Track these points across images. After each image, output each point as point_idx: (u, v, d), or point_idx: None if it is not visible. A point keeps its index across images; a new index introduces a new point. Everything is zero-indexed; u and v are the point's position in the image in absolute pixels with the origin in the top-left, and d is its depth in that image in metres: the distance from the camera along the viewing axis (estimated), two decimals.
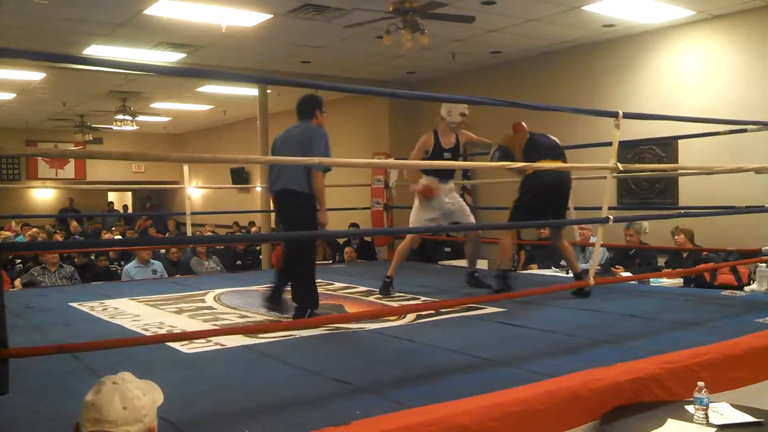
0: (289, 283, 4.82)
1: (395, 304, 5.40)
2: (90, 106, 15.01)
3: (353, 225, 10.94)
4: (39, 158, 19.46)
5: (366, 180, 9.63)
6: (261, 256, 11.56)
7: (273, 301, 4.85)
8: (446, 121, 5.90)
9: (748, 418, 2.81)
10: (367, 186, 9.56)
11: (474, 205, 10.42)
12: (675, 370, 3.21)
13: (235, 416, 2.69)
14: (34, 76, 11.58)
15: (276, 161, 4.69)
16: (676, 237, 7.23)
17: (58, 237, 13.25)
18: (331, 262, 10.28)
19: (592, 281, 4.40)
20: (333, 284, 6.52)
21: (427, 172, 5.91)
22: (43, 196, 20.76)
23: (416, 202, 6.01)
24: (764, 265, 5.99)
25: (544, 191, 5.37)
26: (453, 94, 5.14)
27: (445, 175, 5.97)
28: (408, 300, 5.57)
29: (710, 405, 2.79)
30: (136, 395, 1.84)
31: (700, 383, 2.80)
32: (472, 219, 6.19)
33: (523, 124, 5.75)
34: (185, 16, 8.02)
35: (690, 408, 2.84)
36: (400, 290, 5.87)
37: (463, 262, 6.92)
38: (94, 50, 9.53)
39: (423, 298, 5.61)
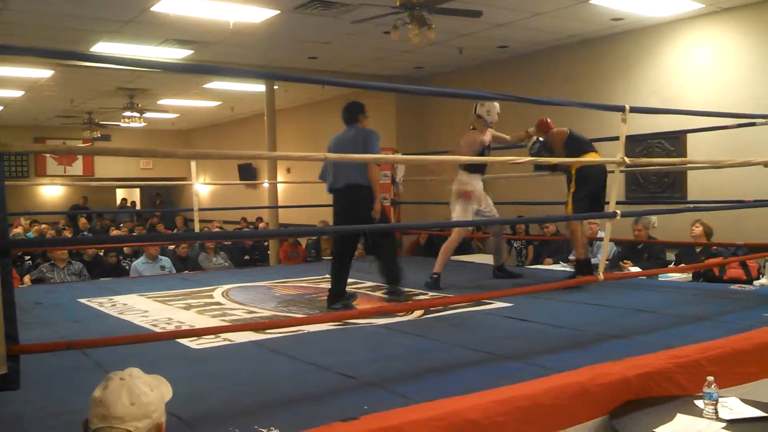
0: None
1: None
2: (98, 103, 15.05)
3: None
4: (47, 155, 19.52)
5: None
6: (269, 252, 11.57)
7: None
8: (484, 120, 6.15)
9: (758, 413, 2.80)
10: None
11: None
12: (684, 365, 3.20)
13: (243, 411, 2.70)
14: (42, 73, 11.62)
15: (280, 157, 4.78)
16: (693, 228, 7.18)
17: (67, 234, 13.29)
18: None
19: (601, 276, 4.38)
20: None
21: (472, 169, 6.08)
22: (51, 192, 20.86)
23: (455, 205, 6.14)
24: None
25: (599, 180, 5.70)
26: (460, 89, 5.13)
27: (484, 171, 6.33)
28: (416, 295, 5.57)
29: (720, 400, 2.78)
30: (143, 391, 1.84)
31: (710, 378, 2.79)
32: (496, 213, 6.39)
33: (548, 120, 6.00)
34: (192, 12, 8.02)
35: (699, 403, 2.83)
36: (408, 286, 5.88)
37: (471, 257, 6.94)
38: (101, 47, 9.55)
39: (431, 294, 5.60)
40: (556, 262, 8.31)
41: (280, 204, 12.33)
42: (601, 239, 6.88)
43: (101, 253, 9.30)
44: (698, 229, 7.14)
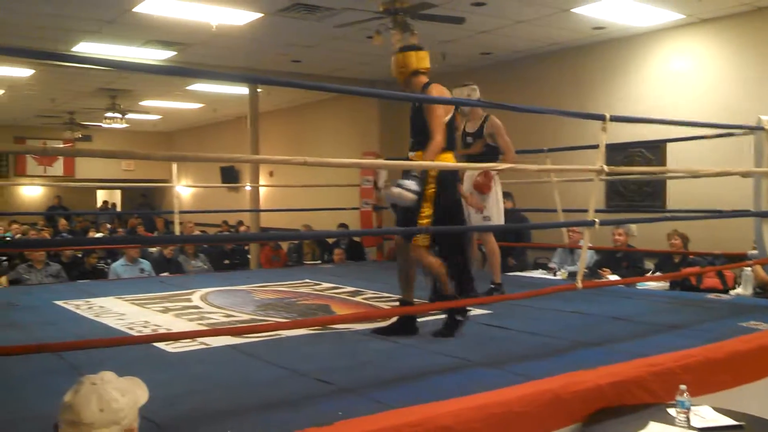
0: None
1: (384, 306, 5.39)
2: (79, 103, 14.95)
3: (342, 225, 10.94)
4: (28, 155, 19.34)
5: (355, 180, 9.62)
6: (249, 256, 11.54)
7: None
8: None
9: (729, 422, 2.83)
10: (357, 186, 9.55)
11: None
12: (658, 373, 3.22)
13: (218, 416, 2.69)
14: (22, 72, 11.54)
15: (260, 160, 4.70)
16: (672, 241, 7.25)
17: (46, 234, 13.17)
18: (320, 262, 10.27)
19: (579, 284, 4.40)
20: (320, 284, 6.51)
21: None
22: (31, 193, 20.68)
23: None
24: (749, 268, 6.03)
25: None
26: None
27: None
28: (394, 301, 5.55)
29: (692, 408, 2.80)
30: (114, 397, 1.82)
31: (682, 386, 2.81)
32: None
33: None
34: (175, 14, 8.00)
35: (672, 411, 2.85)
36: (385, 290, 5.86)
37: None
38: (83, 47, 9.49)
39: None
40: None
41: (261, 207, 12.30)
42: (580, 247, 6.90)
43: (80, 255, 9.21)
44: (678, 241, 7.21)
